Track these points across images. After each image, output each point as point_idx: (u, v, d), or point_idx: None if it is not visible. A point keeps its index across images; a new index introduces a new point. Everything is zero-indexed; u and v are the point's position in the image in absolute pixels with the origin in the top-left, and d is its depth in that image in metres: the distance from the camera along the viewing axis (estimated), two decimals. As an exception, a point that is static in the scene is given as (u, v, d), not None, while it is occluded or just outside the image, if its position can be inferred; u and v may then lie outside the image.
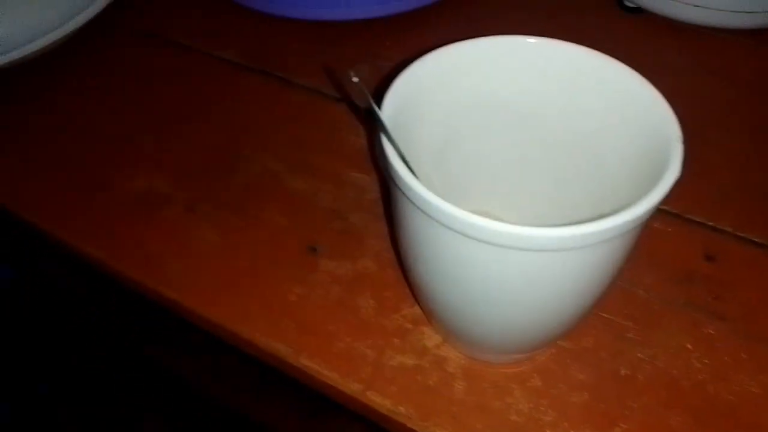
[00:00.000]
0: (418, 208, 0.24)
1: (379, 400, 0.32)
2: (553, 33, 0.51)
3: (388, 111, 0.27)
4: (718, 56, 0.49)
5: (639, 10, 0.52)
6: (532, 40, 0.29)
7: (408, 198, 0.24)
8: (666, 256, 0.37)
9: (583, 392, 0.32)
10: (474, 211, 0.22)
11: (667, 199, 0.23)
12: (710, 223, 0.39)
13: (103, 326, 0.66)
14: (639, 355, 0.33)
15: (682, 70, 0.48)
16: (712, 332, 0.34)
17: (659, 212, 0.39)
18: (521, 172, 0.34)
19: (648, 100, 0.26)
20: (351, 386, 0.32)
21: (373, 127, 0.42)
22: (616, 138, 0.29)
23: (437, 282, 0.28)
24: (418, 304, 0.35)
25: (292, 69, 0.50)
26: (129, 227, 0.40)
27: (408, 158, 0.25)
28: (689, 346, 0.34)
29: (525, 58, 0.30)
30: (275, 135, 0.46)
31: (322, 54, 0.51)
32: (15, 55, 0.47)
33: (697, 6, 0.49)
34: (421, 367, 0.33)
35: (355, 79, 0.25)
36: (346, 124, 0.46)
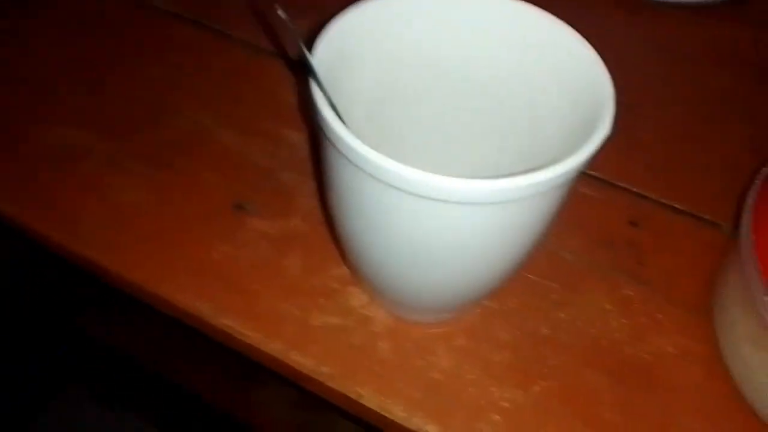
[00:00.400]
0: (345, 156, 0.23)
1: (302, 360, 0.32)
2: None
3: (320, 58, 0.26)
4: (659, 30, 0.50)
5: (581, -22, 0.52)
6: None
7: (334, 145, 0.24)
8: (592, 220, 0.38)
9: (505, 351, 0.33)
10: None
11: (596, 165, 0.23)
12: (636, 190, 0.40)
13: (25, 290, 0.63)
14: (561, 315, 0.34)
15: (622, 41, 0.49)
16: (632, 294, 0.35)
17: (587, 177, 0.39)
18: (456, 128, 0.34)
19: (583, 57, 0.26)
20: (273, 346, 0.32)
21: (305, 77, 0.41)
22: (550, 94, 0.28)
23: (364, 236, 0.28)
24: (345, 263, 0.35)
25: (229, 21, 0.48)
26: (45, 181, 0.38)
27: (339, 109, 0.25)
28: (608, 306, 0.35)
29: (464, 12, 0.29)
30: (207, 89, 0.44)
31: (262, 7, 0.50)
32: None
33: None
34: (347, 327, 0.33)
35: (282, 14, 0.23)
36: (281, 81, 0.45)
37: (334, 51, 0.27)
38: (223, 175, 0.39)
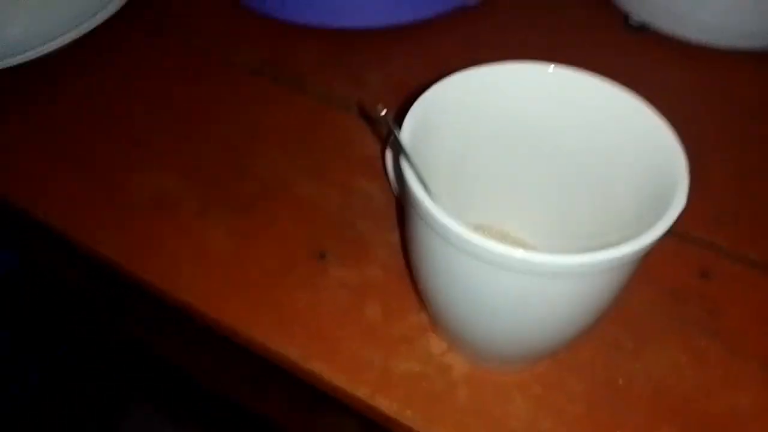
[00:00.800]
0: (433, 229, 0.25)
1: (387, 404, 0.33)
2: (558, 50, 0.53)
3: (407, 133, 0.29)
4: (720, 77, 0.51)
5: (643, 29, 0.53)
6: (549, 68, 0.31)
7: (424, 220, 0.26)
8: (662, 272, 0.39)
9: (580, 402, 0.34)
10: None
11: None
12: (707, 240, 0.40)
13: (110, 322, 0.67)
14: (635, 365, 0.35)
15: (684, 89, 0.50)
16: (705, 346, 0.36)
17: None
18: (531, 196, 0.35)
19: (658, 133, 0.28)
20: (359, 390, 0.34)
21: (386, 139, 0.43)
22: (624, 167, 0.30)
23: (445, 297, 0.30)
24: (425, 311, 0.36)
25: (304, 75, 0.51)
26: (141, 228, 0.41)
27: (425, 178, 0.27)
28: (683, 359, 0.35)
29: (541, 85, 0.31)
30: (285, 140, 0.47)
31: (334, 60, 0.52)
32: (31, 55, 0.48)
33: (703, 27, 0.50)
34: (426, 374, 0.35)
35: (383, 112, 0.26)
36: (355, 131, 0.47)
37: (419, 126, 0.30)
38: (302, 224, 0.41)
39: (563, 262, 0.23)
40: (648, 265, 0.38)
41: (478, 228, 0.36)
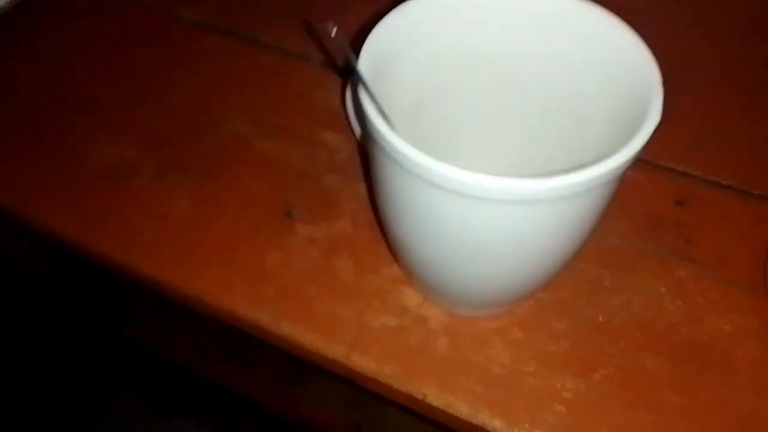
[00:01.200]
0: (396, 161, 0.24)
1: (364, 363, 0.32)
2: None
3: (365, 65, 0.27)
4: (696, 4, 0.49)
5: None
6: None
7: (386, 152, 0.24)
8: (637, 203, 0.38)
9: (562, 341, 0.33)
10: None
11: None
12: (680, 169, 0.39)
13: (75, 306, 0.65)
14: (615, 301, 0.34)
15: (658, 15, 0.48)
16: (684, 275, 0.35)
17: (631, 160, 0.39)
18: (498, 124, 0.34)
19: (628, 45, 0.26)
20: (334, 350, 0.33)
21: (349, 82, 0.41)
22: (593, 84, 0.28)
23: (416, 238, 0.28)
24: (397, 262, 0.35)
25: (259, 27, 0.49)
26: (96, 198, 0.39)
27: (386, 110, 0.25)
28: (662, 289, 0.35)
29: (507, 8, 0.29)
30: (244, 97, 0.44)
31: (287, 11, 0.50)
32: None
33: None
34: (403, 327, 0.34)
35: (335, 32, 0.24)
36: (315, 83, 0.45)
37: (377, 56, 0.28)
38: (267, 182, 0.40)
39: (535, 186, 0.22)
40: (622, 197, 0.37)
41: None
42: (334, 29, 0.24)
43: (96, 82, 0.46)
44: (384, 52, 0.28)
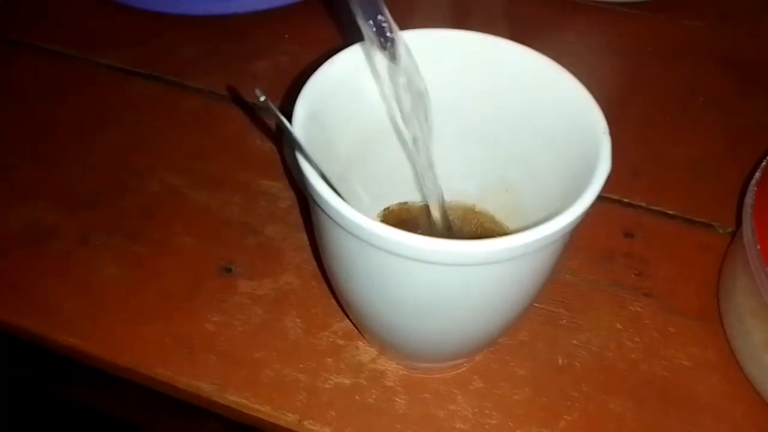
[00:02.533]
0: (339, 225, 0.22)
1: (318, 429, 0.30)
2: (451, 19, 0.50)
3: (300, 120, 0.25)
4: (617, 32, 0.50)
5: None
6: (449, 33, 0.28)
7: (328, 215, 0.22)
8: (588, 237, 0.37)
9: (524, 388, 0.32)
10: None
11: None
12: (625, 200, 0.39)
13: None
14: (573, 341, 0.33)
15: (583, 48, 0.49)
16: (639, 310, 0.35)
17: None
18: (445, 166, 0.33)
19: (572, 93, 0.26)
20: (286, 418, 0.30)
21: (283, 135, 0.39)
22: (540, 130, 0.28)
23: (364, 297, 0.27)
24: (348, 317, 0.33)
25: (183, 71, 0.46)
26: (11, 267, 0.35)
27: (324, 168, 0.23)
28: (619, 326, 0.34)
29: (447, 52, 0.28)
30: (171, 146, 0.42)
31: (214, 51, 0.48)
32: None
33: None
34: (359, 385, 0.31)
35: (262, 98, 0.22)
36: (247, 127, 0.43)
37: (313, 110, 0.26)
38: (202, 237, 0.37)
39: (481, 249, 0.20)
40: (574, 233, 0.37)
41: (401, 205, 0.33)
42: (262, 97, 0.22)
43: (5, 139, 0.42)
44: (319, 103, 0.27)
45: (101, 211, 0.38)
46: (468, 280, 0.23)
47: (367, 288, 0.25)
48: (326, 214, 0.22)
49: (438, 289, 0.23)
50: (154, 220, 0.38)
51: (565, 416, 0.31)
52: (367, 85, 0.29)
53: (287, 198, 0.39)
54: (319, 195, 0.22)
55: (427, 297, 0.24)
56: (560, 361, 0.33)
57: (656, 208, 0.39)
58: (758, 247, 0.28)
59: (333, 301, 0.34)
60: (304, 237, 0.37)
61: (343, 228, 0.22)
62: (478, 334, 0.27)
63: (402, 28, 0.26)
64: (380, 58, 0.26)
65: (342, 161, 0.29)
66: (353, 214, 0.21)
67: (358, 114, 0.29)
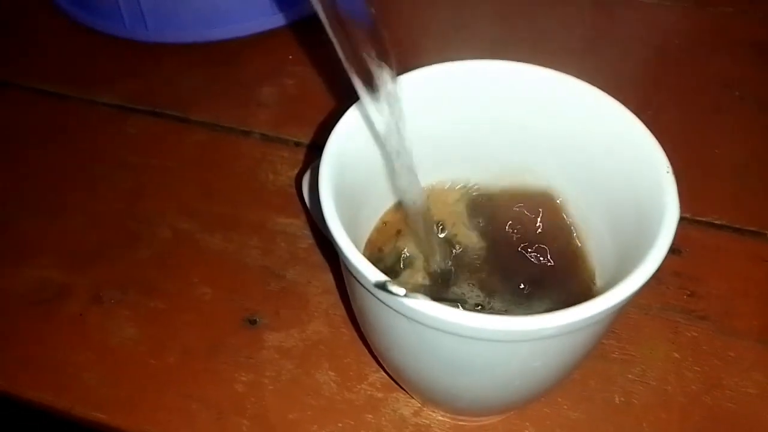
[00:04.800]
0: (383, 303, 0.20)
1: (366, 496, 0.28)
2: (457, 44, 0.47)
3: (329, 172, 0.23)
4: (641, 25, 0.47)
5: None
6: (505, 65, 0.26)
7: (370, 293, 0.20)
8: (632, 257, 0.35)
9: (581, 432, 0.29)
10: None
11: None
12: (668, 212, 0.37)
13: None
14: (629, 376, 0.31)
15: (607, 46, 0.46)
16: (696, 335, 0.32)
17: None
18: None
19: (637, 136, 0.23)
20: (330, 486, 0.28)
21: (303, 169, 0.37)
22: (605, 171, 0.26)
23: (410, 367, 0.25)
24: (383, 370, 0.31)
25: (185, 104, 0.44)
26: (20, 333, 0.33)
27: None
28: (676, 354, 0.32)
29: (478, 85, 0.26)
30: (179, 187, 0.39)
31: (216, 81, 0.45)
32: None
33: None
34: (404, 442, 0.29)
35: (402, 292, 0.18)
36: (257, 160, 0.41)
37: (342, 157, 0.24)
38: (221, 287, 0.35)
39: (524, 326, 0.18)
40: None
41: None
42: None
43: (4, 192, 0.40)
44: (347, 152, 0.24)
45: (112, 265, 0.36)
46: (523, 352, 0.21)
47: (412, 359, 0.23)
48: (364, 288, 0.20)
49: (489, 361, 0.21)
50: (169, 270, 0.36)
51: (628, 462, 0.29)
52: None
53: (307, 236, 0.37)
54: (361, 275, 0.20)
55: (471, 371, 0.22)
56: (617, 399, 0.30)
57: (702, 218, 0.36)
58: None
59: (366, 348, 0.32)
60: (330, 278, 0.35)
61: (393, 309, 0.20)
62: (531, 394, 0.25)
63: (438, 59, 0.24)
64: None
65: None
66: (413, 302, 0.19)
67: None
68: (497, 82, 0.26)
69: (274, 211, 0.38)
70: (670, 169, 0.22)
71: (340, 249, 0.20)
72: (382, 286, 0.18)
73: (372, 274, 0.19)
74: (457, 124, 0.28)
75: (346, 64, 0.21)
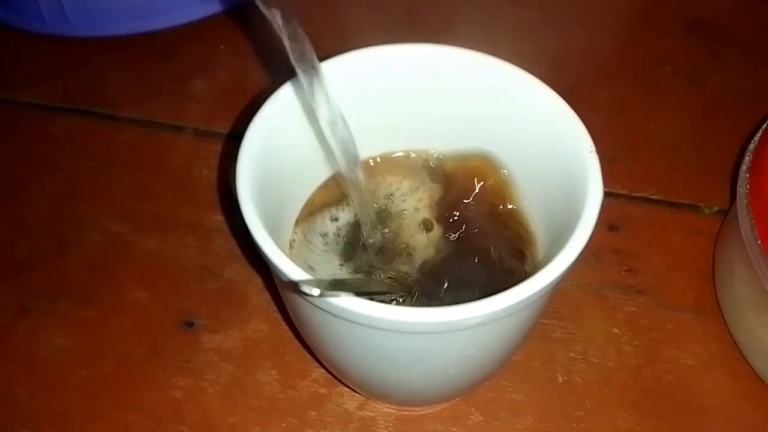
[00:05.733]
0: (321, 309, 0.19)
1: (312, 495, 0.27)
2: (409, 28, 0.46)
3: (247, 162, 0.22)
4: (571, 4, 0.47)
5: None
6: (425, 48, 0.25)
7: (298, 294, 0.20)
8: (571, 236, 0.35)
9: (526, 415, 0.29)
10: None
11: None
12: (605, 190, 0.37)
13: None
14: (571, 354, 0.31)
15: (539, 26, 0.46)
16: (634, 309, 0.33)
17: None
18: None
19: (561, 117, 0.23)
20: (274, 489, 0.28)
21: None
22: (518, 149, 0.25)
23: (344, 362, 0.24)
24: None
25: (113, 100, 0.42)
26: (-53, 354, 0.32)
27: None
28: (616, 330, 0.32)
29: (405, 67, 0.26)
30: (110, 188, 0.38)
31: (145, 76, 0.44)
32: None
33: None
34: (350, 438, 0.29)
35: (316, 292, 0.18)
36: (190, 156, 0.39)
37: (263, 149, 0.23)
38: (156, 289, 0.34)
39: (454, 317, 0.18)
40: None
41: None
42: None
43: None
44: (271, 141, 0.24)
45: (40, 274, 0.34)
46: (455, 341, 0.20)
47: (345, 354, 0.23)
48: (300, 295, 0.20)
49: (421, 352, 0.21)
50: (101, 276, 0.34)
51: (572, 441, 0.29)
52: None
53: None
54: (287, 278, 0.19)
55: (406, 363, 0.22)
56: (560, 378, 0.30)
57: (638, 194, 0.37)
58: (759, 242, 0.26)
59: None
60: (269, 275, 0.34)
61: (318, 306, 0.19)
62: (471, 381, 0.25)
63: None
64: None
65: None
66: (334, 300, 0.18)
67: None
68: (426, 66, 0.26)
69: (209, 208, 0.37)
70: (593, 149, 0.22)
71: (258, 245, 0.20)
72: (296, 287, 0.17)
73: (291, 271, 0.19)
74: (388, 104, 0.27)
75: (280, 33, 0.20)
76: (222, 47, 0.45)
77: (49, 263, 0.35)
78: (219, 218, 0.36)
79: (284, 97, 0.24)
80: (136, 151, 0.40)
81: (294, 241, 0.27)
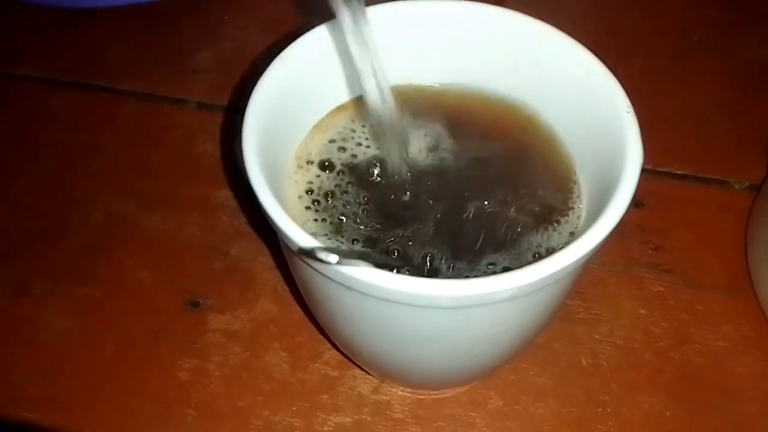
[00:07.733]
0: (331, 279, 0.18)
1: (325, 483, 0.26)
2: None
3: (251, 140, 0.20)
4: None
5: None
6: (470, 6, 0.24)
7: (308, 265, 0.18)
8: (594, 212, 0.33)
9: (548, 399, 0.28)
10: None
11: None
12: (629, 164, 0.35)
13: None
14: (595, 336, 0.30)
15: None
16: (662, 289, 0.31)
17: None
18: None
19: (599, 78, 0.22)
20: (285, 476, 0.26)
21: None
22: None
23: (353, 341, 0.23)
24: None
25: (114, 73, 0.40)
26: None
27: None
28: (642, 311, 0.30)
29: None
30: (112, 164, 0.36)
31: (147, 48, 0.42)
32: None
33: None
34: (363, 422, 0.28)
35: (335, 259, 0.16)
36: (193, 130, 0.38)
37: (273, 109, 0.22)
38: (160, 268, 0.32)
39: (474, 290, 0.17)
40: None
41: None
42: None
43: None
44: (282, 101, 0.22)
45: (42, 253, 0.33)
46: (477, 317, 0.19)
47: (358, 331, 0.21)
48: (310, 266, 0.18)
49: (440, 329, 0.19)
50: (104, 255, 0.33)
51: (598, 426, 0.27)
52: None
53: (250, 209, 0.34)
54: (297, 247, 0.17)
55: (428, 336, 0.20)
56: (584, 361, 0.29)
57: (664, 169, 0.35)
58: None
59: (318, 325, 0.30)
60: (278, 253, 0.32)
61: (329, 278, 0.18)
62: (492, 362, 0.24)
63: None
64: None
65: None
66: (347, 269, 0.17)
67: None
68: (469, 22, 0.25)
69: (213, 184, 0.35)
70: (631, 109, 0.20)
71: (267, 214, 0.18)
72: (310, 255, 0.15)
73: (302, 239, 0.17)
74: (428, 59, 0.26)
75: None
76: (226, 18, 0.43)
77: (50, 242, 0.33)
78: (224, 194, 0.35)
79: (293, 58, 0.23)
80: (137, 126, 0.38)
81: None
